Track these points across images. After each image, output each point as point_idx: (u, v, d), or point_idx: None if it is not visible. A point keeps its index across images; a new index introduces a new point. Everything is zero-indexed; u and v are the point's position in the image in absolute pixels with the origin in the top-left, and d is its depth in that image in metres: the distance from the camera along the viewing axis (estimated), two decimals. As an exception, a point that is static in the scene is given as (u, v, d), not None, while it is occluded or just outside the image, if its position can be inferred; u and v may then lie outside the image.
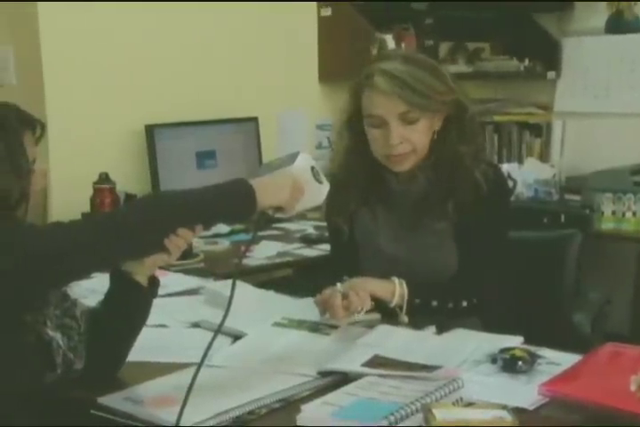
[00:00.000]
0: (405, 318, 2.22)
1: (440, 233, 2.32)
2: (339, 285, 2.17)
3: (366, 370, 1.84)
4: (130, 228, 1.68)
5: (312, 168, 1.89)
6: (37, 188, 1.75)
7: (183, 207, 1.74)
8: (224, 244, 3.36)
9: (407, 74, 2.22)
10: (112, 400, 1.76)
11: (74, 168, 3.44)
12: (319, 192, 1.92)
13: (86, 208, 3.42)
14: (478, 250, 2.30)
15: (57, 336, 1.79)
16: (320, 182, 1.90)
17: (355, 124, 2.34)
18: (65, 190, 3.40)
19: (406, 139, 2.25)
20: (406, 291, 2.21)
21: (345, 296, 2.14)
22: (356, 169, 2.38)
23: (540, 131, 4.57)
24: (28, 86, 3.47)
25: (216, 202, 1.77)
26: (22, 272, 1.57)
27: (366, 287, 2.17)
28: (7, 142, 1.66)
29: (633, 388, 1.69)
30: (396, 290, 2.21)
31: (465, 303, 2.26)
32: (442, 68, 2.36)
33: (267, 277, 3.10)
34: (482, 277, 2.29)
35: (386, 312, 2.23)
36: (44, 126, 1.77)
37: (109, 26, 3.57)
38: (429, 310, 2.23)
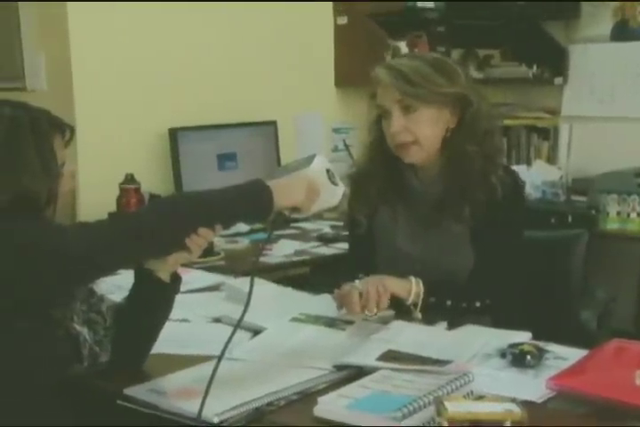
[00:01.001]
0: (419, 315, 2.21)
1: (456, 235, 2.30)
2: (357, 281, 2.17)
3: (380, 364, 1.84)
4: (153, 227, 1.68)
5: (328, 170, 1.89)
6: (66, 189, 1.76)
7: (204, 208, 1.75)
8: (244, 242, 3.36)
9: (406, 66, 2.25)
10: (137, 391, 1.76)
11: (101, 170, 3.45)
12: (334, 194, 1.91)
13: (113, 208, 3.43)
14: (494, 253, 2.28)
15: (84, 331, 1.80)
16: (335, 184, 1.90)
17: (378, 121, 2.35)
18: (92, 191, 3.41)
19: (406, 128, 2.25)
20: (422, 290, 2.21)
21: (362, 293, 2.14)
22: (377, 165, 2.38)
23: (548, 134, 4.56)
24: (59, 92, 3.48)
25: (235, 202, 1.77)
26: (50, 270, 1.58)
27: (384, 285, 2.17)
28: (38, 145, 1.66)
29: (638, 382, 1.69)
30: (412, 288, 2.20)
31: (478, 304, 2.25)
32: (451, 65, 2.35)
33: (285, 275, 3.09)
34: (496, 279, 2.27)
35: (400, 309, 2.23)
36: (73, 130, 1.77)
37: (136, 34, 3.59)
38: (443, 309, 2.22)
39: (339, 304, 2.20)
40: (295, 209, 1.86)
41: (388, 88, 2.25)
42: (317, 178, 1.86)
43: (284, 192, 1.80)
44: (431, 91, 2.23)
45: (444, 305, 2.23)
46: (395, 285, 2.19)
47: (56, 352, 1.70)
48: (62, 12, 3.42)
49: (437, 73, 2.26)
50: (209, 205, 1.75)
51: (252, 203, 1.78)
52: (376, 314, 2.16)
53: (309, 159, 1.88)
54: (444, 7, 4.13)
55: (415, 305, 2.20)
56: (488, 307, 2.26)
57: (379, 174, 2.38)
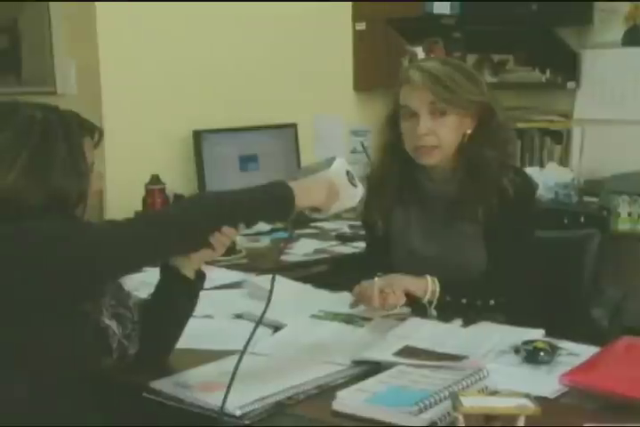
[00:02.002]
0: (434, 313, 2.20)
1: (469, 234, 2.30)
2: (376, 279, 2.16)
3: (397, 359, 1.84)
4: (178, 226, 1.69)
5: (347, 172, 1.89)
6: (95, 189, 1.77)
7: (228, 207, 1.75)
8: (265, 241, 3.36)
9: (440, 71, 2.25)
10: (163, 385, 1.77)
11: (128, 171, 3.47)
12: (353, 195, 1.91)
13: (139, 207, 3.45)
14: (507, 252, 2.28)
15: (112, 325, 1.81)
16: (354, 186, 1.90)
17: (394, 121, 2.34)
18: (119, 191, 3.42)
19: (433, 131, 2.24)
20: (438, 288, 2.20)
21: (380, 291, 2.14)
22: (392, 167, 2.38)
23: (561, 137, 4.54)
24: (87, 96, 3.50)
25: (257, 202, 1.77)
26: (80, 267, 1.58)
27: (401, 284, 2.16)
28: (69, 147, 1.67)
29: (649, 378, 1.68)
30: (428, 287, 2.20)
31: (492, 302, 2.25)
32: (476, 73, 2.38)
33: (304, 273, 3.09)
34: (510, 278, 2.27)
35: (416, 306, 2.22)
36: (101, 133, 1.78)
37: (161, 40, 3.60)
38: (459, 307, 2.21)
39: (355, 301, 2.20)
40: (315, 209, 1.86)
41: (419, 90, 2.24)
42: (337, 179, 1.86)
43: (306, 193, 1.80)
44: (462, 97, 2.23)
45: (460, 303, 2.22)
46: (411, 283, 2.19)
47: (86, 345, 1.71)
48: (91, 20, 3.43)
49: (468, 81, 2.27)
50: (233, 205, 1.76)
51: (274, 203, 1.78)
52: (392, 310, 2.16)
53: (330, 161, 1.88)
54: (460, 13, 4.11)
55: (430, 303, 2.20)
56: (502, 305, 2.26)
57: (393, 175, 2.38)
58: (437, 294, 2.20)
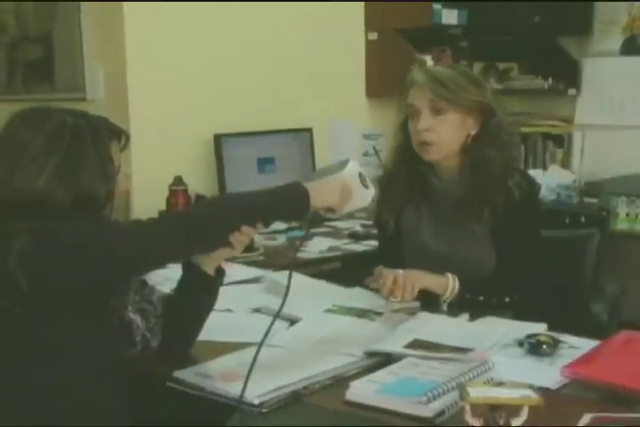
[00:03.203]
0: (445, 308, 2.19)
1: (477, 234, 2.29)
2: (400, 271, 2.13)
3: (407, 352, 1.83)
4: (200, 225, 1.69)
5: (360, 174, 1.88)
6: (121, 190, 1.77)
7: (247, 208, 1.75)
8: (281, 239, 3.35)
9: (440, 72, 2.27)
10: (185, 374, 1.77)
11: (152, 172, 3.47)
12: (366, 196, 1.91)
13: (163, 207, 3.45)
14: (516, 252, 2.27)
15: (137, 318, 1.81)
16: (366, 187, 1.89)
17: (405, 125, 2.34)
18: (145, 192, 3.42)
19: (433, 128, 2.24)
20: (457, 286, 2.19)
21: (396, 282, 2.11)
22: (402, 168, 2.37)
23: (562, 141, 4.54)
24: (115, 101, 3.50)
25: (275, 203, 1.77)
26: (107, 263, 1.59)
27: (423, 281, 2.14)
28: (97, 150, 1.67)
29: (647, 370, 1.67)
30: (449, 285, 2.18)
31: (507, 299, 2.24)
32: (480, 78, 2.40)
33: (319, 269, 3.09)
34: (520, 277, 2.26)
35: (429, 302, 2.20)
36: (128, 136, 1.77)
37: (185, 51, 3.60)
38: (476, 304, 2.19)
39: (372, 279, 2.18)
40: (330, 209, 1.85)
41: (421, 89, 2.26)
42: (350, 181, 1.86)
43: (320, 194, 1.79)
44: (461, 96, 2.24)
45: (477, 301, 2.20)
46: (433, 280, 2.18)
47: (112, 338, 1.71)
48: (119, 31, 3.45)
49: (469, 82, 2.27)
50: (252, 206, 1.76)
51: (290, 203, 1.78)
52: (399, 302, 2.14)
53: (343, 164, 1.88)
54: (467, 24, 4.10)
55: (445, 300, 2.18)
56: (515, 302, 2.24)
57: (404, 176, 2.37)
58: (456, 292, 2.18)
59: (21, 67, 3.94)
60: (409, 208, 2.40)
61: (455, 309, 2.18)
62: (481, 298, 2.21)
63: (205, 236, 1.71)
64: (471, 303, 2.19)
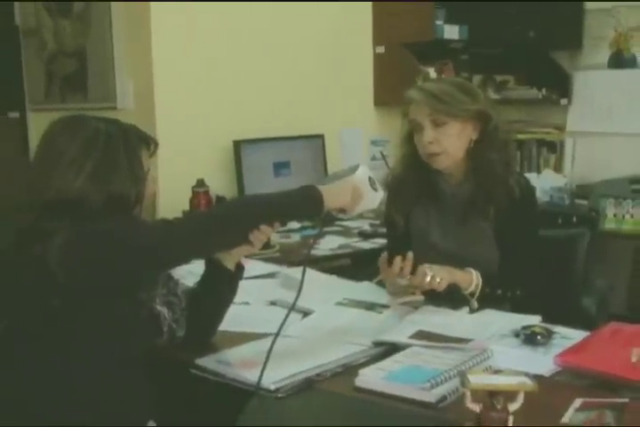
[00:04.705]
0: (476, 304, 2.13)
1: (483, 231, 2.28)
2: (428, 270, 2.08)
3: (412, 342, 1.83)
4: (223, 225, 1.69)
5: (369, 178, 1.88)
6: (150, 192, 1.77)
7: (265, 208, 1.75)
8: (295, 237, 3.35)
9: (435, 87, 2.26)
10: (207, 362, 1.77)
11: (177, 176, 3.47)
12: (375, 198, 1.90)
13: (186, 207, 3.46)
14: (519, 247, 2.25)
15: (164, 310, 1.81)
16: (375, 190, 1.89)
17: (410, 136, 2.33)
18: (170, 193, 3.42)
19: (437, 140, 2.23)
20: (481, 281, 2.16)
21: (425, 274, 2.07)
22: (411, 174, 2.36)
23: (555, 147, 4.53)
24: (143, 111, 3.51)
25: (291, 204, 1.77)
26: (139, 259, 1.59)
27: (451, 276, 2.11)
28: (128, 155, 1.67)
29: (633, 359, 1.66)
30: (473, 280, 2.16)
31: (518, 292, 2.21)
32: (472, 86, 2.38)
33: (330, 266, 3.08)
34: (525, 269, 2.24)
35: (455, 298, 2.15)
36: (157, 143, 1.78)
37: (207, 65, 3.61)
38: (494, 298, 2.17)
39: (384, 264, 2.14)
40: (342, 210, 1.85)
41: (419, 105, 2.24)
42: (361, 184, 1.85)
43: (333, 196, 1.79)
44: (456, 107, 2.22)
45: (495, 294, 2.18)
46: (459, 275, 2.14)
47: (141, 328, 1.72)
48: (147, 46, 3.46)
49: (462, 93, 2.26)
50: (270, 207, 1.75)
51: (306, 204, 1.77)
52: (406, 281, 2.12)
53: (354, 168, 1.87)
54: (467, 39, 4.10)
55: (472, 294, 2.14)
56: (524, 294, 2.22)
57: (413, 182, 2.36)
58: (480, 287, 2.16)
59: (58, 79, 3.95)
60: (417, 210, 2.39)
61: (456, 303, 2.15)
62: (499, 292, 2.18)
63: (228, 234, 1.71)
64: (489, 296, 2.16)
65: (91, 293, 1.58)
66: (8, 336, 1.63)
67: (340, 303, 2.21)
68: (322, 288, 2.30)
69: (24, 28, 4.06)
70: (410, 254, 2.10)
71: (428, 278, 2.06)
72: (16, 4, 4.06)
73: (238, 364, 1.75)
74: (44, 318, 1.59)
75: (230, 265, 1.87)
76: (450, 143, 2.24)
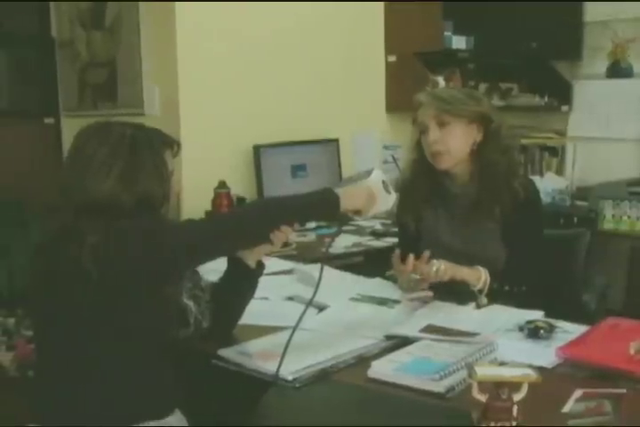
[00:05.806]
0: (485, 300, 2.12)
1: (488, 230, 2.27)
2: (435, 261, 2.08)
3: (422, 335, 1.83)
4: (246, 225, 1.69)
5: (383, 181, 1.88)
6: (175, 191, 1.77)
7: (285, 210, 1.75)
8: (311, 236, 3.35)
9: (442, 91, 2.33)
10: (228, 353, 1.78)
11: (200, 177, 3.47)
12: (388, 200, 1.90)
13: (208, 207, 3.45)
14: (524, 246, 2.24)
15: (190, 303, 1.81)
16: (389, 193, 1.88)
17: (418, 144, 2.34)
18: (193, 194, 3.43)
19: (441, 139, 2.24)
20: (489, 278, 2.15)
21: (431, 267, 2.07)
22: (421, 178, 2.36)
23: (557, 151, 4.51)
24: (169, 116, 3.52)
25: (310, 206, 1.77)
26: (168, 256, 1.59)
27: (458, 272, 2.10)
28: (154, 158, 1.67)
29: (631, 352, 1.65)
30: (482, 276, 2.15)
31: (524, 288, 2.20)
32: (477, 92, 2.43)
33: (344, 263, 3.07)
34: (531, 268, 2.23)
35: (464, 295, 2.15)
36: (179, 145, 1.78)
37: (228, 73, 3.61)
38: (502, 294, 2.16)
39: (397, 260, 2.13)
40: (357, 212, 1.84)
41: (426, 107, 2.26)
42: (375, 187, 1.85)
43: (349, 198, 1.79)
44: (460, 108, 2.23)
45: (503, 290, 2.17)
46: (467, 273, 2.13)
47: (169, 320, 1.72)
48: (173, 56, 3.47)
49: (466, 96, 2.28)
50: (289, 208, 1.75)
51: (323, 206, 1.78)
52: (416, 281, 2.12)
53: (369, 172, 1.87)
54: (474, 48, 4.10)
55: (480, 291, 2.14)
56: (529, 290, 2.21)
57: (423, 185, 2.36)
58: (488, 284, 2.15)
59: (90, 87, 3.97)
60: (428, 210, 2.38)
61: (463, 298, 2.15)
62: (506, 288, 2.17)
63: (250, 234, 1.72)
64: (498, 292, 2.15)
65: (122, 288, 1.58)
66: (43, 333, 1.64)
67: (353, 299, 2.20)
68: (336, 284, 2.29)
69: (59, 39, 4.09)
70: (426, 253, 2.09)
71: (434, 268, 2.06)
72: (52, 17, 4.09)
73: (258, 355, 1.75)
74: (77, 315, 1.59)
75: (252, 262, 1.87)
76: (453, 143, 2.24)
